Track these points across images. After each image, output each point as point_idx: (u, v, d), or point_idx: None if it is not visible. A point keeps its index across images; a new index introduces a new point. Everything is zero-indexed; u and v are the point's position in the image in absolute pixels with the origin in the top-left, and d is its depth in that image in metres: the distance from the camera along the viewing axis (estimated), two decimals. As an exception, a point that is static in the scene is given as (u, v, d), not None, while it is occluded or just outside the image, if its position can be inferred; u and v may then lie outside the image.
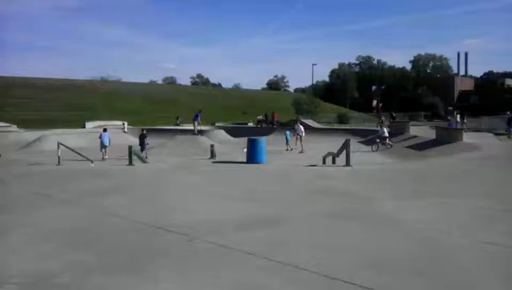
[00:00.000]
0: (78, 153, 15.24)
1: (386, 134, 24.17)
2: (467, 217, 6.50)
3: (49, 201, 7.82)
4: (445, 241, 5.15)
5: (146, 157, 19.45)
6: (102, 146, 20.83)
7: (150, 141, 21.32)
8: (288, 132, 25.07)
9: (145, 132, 23.70)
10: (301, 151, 21.76)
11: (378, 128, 30.82)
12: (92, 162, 14.90)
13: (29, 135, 32.90)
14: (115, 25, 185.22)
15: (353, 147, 14.40)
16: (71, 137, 29.06)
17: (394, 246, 4.97)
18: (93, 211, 6.90)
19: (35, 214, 6.74)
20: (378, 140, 23.83)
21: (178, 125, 41.86)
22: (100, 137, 21.47)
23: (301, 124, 27.76)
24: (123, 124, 44.57)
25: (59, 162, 14.47)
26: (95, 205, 7.33)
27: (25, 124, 43.95)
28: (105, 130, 22.85)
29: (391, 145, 23.48)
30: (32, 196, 8.36)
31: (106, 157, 19.91)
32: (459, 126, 32.48)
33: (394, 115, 49.19)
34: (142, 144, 21.58)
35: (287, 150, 21.91)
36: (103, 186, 9.43)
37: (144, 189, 9.37)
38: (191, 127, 33.45)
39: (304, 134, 23.66)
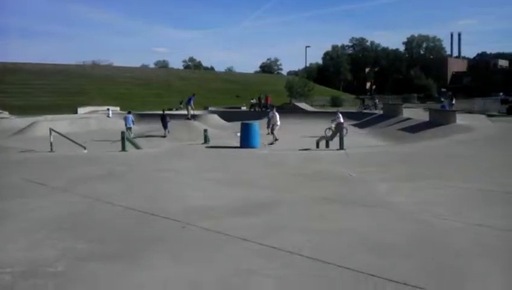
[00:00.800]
0: (71, 140, 15.15)
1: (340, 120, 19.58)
2: (461, 199, 6.54)
3: (42, 188, 7.78)
4: (440, 224, 5.18)
5: (168, 132, 24.77)
6: (127, 128, 23.75)
7: (143, 126, 21.33)
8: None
9: (166, 112, 27.70)
10: (271, 143, 19.17)
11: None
12: (84, 148, 14.82)
13: (21, 121, 32.67)
14: (106, 8, 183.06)
15: (346, 130, 14.39)
16: (63, 123, 28.88)
17: (389, 230, 4.99)
18: (87, 198, 6.87)
19: (28, 201, 6.70)
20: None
21: (180, 109, 41.48)
22: (124, 119, 25.34)
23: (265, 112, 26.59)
24: (107, 109, 44.28)
25: (51, 149, 14.38)
26: (88, 192, 7.30)
27: (17, 110, 43.62)
28: (129, 112, 27.17)
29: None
30: (25, 183, 8.31)
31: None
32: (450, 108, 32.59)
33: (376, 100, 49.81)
34: (165, 123, 25.32)
35: (268, 134, 21.13)
36: (96, 173, 9.39)
37: (137, 175, 9.34)
38: (185, 112, 33.53)
39: (279, 123, 20.50)
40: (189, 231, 5.06)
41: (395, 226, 5.13)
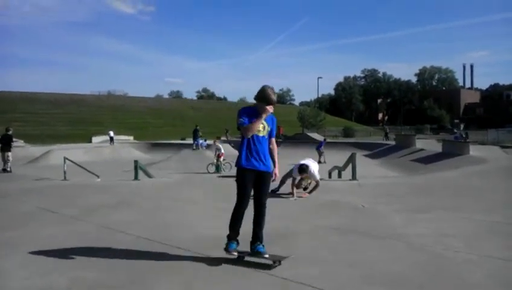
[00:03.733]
0: (84, 168, 15.28)
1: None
2: (475, 231, 6.44)
3: (55, 216, 7.82)
4: (453, 256, 5.09)
5: (200, 147, 31.14)
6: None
7: (156, 155, 21.51)
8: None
9: (198, 127, 33.46)
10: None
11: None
12: (97, 176, 14.93)
13: (36, 149, 33.19)
14: (121, 40, 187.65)
15: (359, 161, 14.33)
16: (77, 152, 29.26)
17: (402, 262, 4.91)
18: (99, 226, 6.89)
19: (39, 229, 6.74)
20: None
21: (227, 138, 41.68)
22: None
23: (277, 142, 27.23)
24: (110, 136, 44.88)
25: (65, 177, 14.52)
26: (101, 220, 7.32)
27: (33, 139, 44.28)
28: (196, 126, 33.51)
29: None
30: (38, 211, 8.37)
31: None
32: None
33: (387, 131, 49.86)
34: (196, 138, 31.92)
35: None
36: (109, 201, 9.43)
37: (149, 204, 9.36)
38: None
39: (222, 151, 21.78)
40: (201, 261, 5.03)
41: (408, 258, 5.05)
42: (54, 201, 9.70)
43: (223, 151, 20.92)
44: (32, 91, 72.88)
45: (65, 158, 15.36)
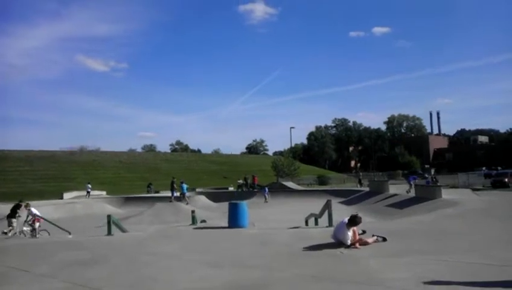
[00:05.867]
0: (55, 225, 14.89)
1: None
2: (454, 274, 6.47)
3: (26, 275, 7.54)
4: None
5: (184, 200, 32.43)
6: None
7: (130, 209, 21.08)
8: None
9: (174, 179, 34.97)
10: None
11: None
12: (69, 233, 14.54)
13: (6, 207, 32.08)
14: (94, 97, 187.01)
15: (335, 208, 14.40)
16: (48, 208, 28.45)
17: (382, 306, 4.89)
18: (72, 284, 6.66)
19: (11, 289, 6.48)
20: None
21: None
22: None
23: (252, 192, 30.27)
24: (88, 183, 47.54)
25: (36, 235, 14.08)
26: (74, 278, 7.09)
27: (3, 196, 43.02)
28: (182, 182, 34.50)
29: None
30: (8, 270, 8.06)
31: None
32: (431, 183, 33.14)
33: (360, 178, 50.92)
34: (173, 189, 34.13)
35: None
36: (81, 258, 9.16)
37: (123, 259, 9.12)
38: (175, 194, 34.59)
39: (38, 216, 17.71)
40: (178, 315, 4.90)
41: (389, 303, 5.04)
42: (25, 260, 9.37)
43: (39, 215, 17.89)
44: (1, 149, 71.48)
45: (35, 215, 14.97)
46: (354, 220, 9.26)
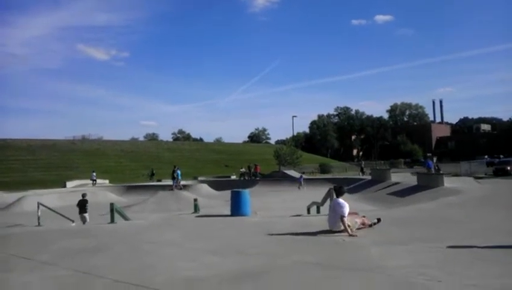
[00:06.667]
0: (59, 213, 14.95)
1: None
2: (455, 261, 6.49)
3: (29, 263, 7.57)
4: (435, 286, 5.10)
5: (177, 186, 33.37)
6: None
7: (132, 198, 21.23)
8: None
9: (176, 168, 35.98)
10: None
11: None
12: (72, 221, 14.60)
13: (9, 196, 32.29)
14: (96, 86, 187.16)
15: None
16: (51, 197, 28.64)
17: (383, 294, 4.90)
18: (75, 271, 6.69)
19: (13, 277, 6.50)
20: None
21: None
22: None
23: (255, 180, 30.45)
24: (93, 171, 48.03)
25: (39, 223, 14.15)
26: (77, 265, 7.12)
27: (5, 186, 43.19)
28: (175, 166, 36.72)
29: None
30: (12, 258, 8.10)
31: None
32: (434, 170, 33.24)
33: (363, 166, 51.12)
34: (173, 177, 34.75)
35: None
36: (84, 246, 9.20)
37: (126, 247, 9.15)
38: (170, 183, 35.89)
39: None
40: (180, 302, 4.92)
41: (390, 290, 5.04)
42: (28, 248, 9.40)
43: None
44: (3, 137, 71.58)
45: (39, 204, 15.03)
46: (340, 191, 9.80)
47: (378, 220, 10.32)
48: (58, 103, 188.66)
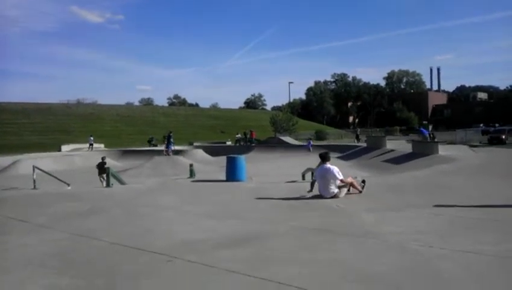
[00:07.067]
0: (54, 177, 14.95)
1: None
2: (449, 227, 6.55)
3: (25, 226, 7.60)
4: (428, 252, 5.16)
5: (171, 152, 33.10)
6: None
7: (128, 162, 21.34)
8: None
9: (171, 133, 35.45)
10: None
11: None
12: (68, 185, 14.63)
13: (4, 159, 32.25)
14: (90, 49, 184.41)
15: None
16: (47, 161, 28.62)
17: (377, 260, 4.94)
18: (71, 234, 6.72)
19: (9, 239, 6.54)
20: None
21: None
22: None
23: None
24: (90, 136, 47.73)
25: (35, 186, 14.16)
26: (73, 228, 7.16)
27: (0, 149, 43.06)
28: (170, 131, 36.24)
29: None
30: (7, 220, 8.13)
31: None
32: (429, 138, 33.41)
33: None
34: (168, 143, 34.11)
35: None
36: (80, 209, 9.23)
37: (122, 210, 9.19)
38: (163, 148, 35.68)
39: None
40: (175, 265, 4.96)
41: (384, 256, 5.10)
42: (23, 210, 9.43)
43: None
44: (-2, 101, 70.92)
45: (34, 167, 15.00)
46: (326, 156, 10.25)
47: (363, 181, 10.52)
48: (51, 66, 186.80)
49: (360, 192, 10.19)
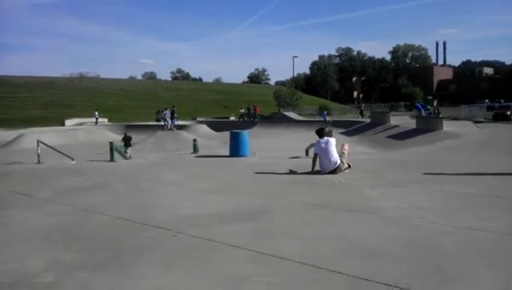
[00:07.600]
0: (58, 151, 14.98)
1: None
2: (451, 203, 6.57)
3: (29, 199, 7.68)
4: (430, 228, 5.19)
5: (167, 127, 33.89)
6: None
7: (132, 137, 21.34)
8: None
9: (175, 108, 37.41)
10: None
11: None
12: (72, 159, 14.67)
13: (8, 134, 32.34)
14: (92, 22, 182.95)
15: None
16: (50, 135, 28.67)
17: (379, 235, 4.98)
18: (75, 208, 6.79)
19: (14, 213, 6.61)
20: None
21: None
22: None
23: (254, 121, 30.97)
24: (95, 110, 48.37)
25: (39, 161, 14.22)
26: (76, 203, 7.22)
27: (3, 123, 43.13)
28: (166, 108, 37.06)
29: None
30: (11, 194, 8.20)
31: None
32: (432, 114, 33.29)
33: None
34: (172, 118, 35.45)
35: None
36: (84, 184, 9.30)
37: (126, 185, 9.25)
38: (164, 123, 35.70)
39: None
40: (179, 239, 5.01)
41: (385, 231, 5.13)
42: (28, 184, 9.51)
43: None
44: (0, 74, 70.66)
45: (38, 141, 15.03)
46: (321, 132, 10.45)
47: (349, 166, 10.41)
48: (53, 39, 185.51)
49: (349, 166, 10.26)
